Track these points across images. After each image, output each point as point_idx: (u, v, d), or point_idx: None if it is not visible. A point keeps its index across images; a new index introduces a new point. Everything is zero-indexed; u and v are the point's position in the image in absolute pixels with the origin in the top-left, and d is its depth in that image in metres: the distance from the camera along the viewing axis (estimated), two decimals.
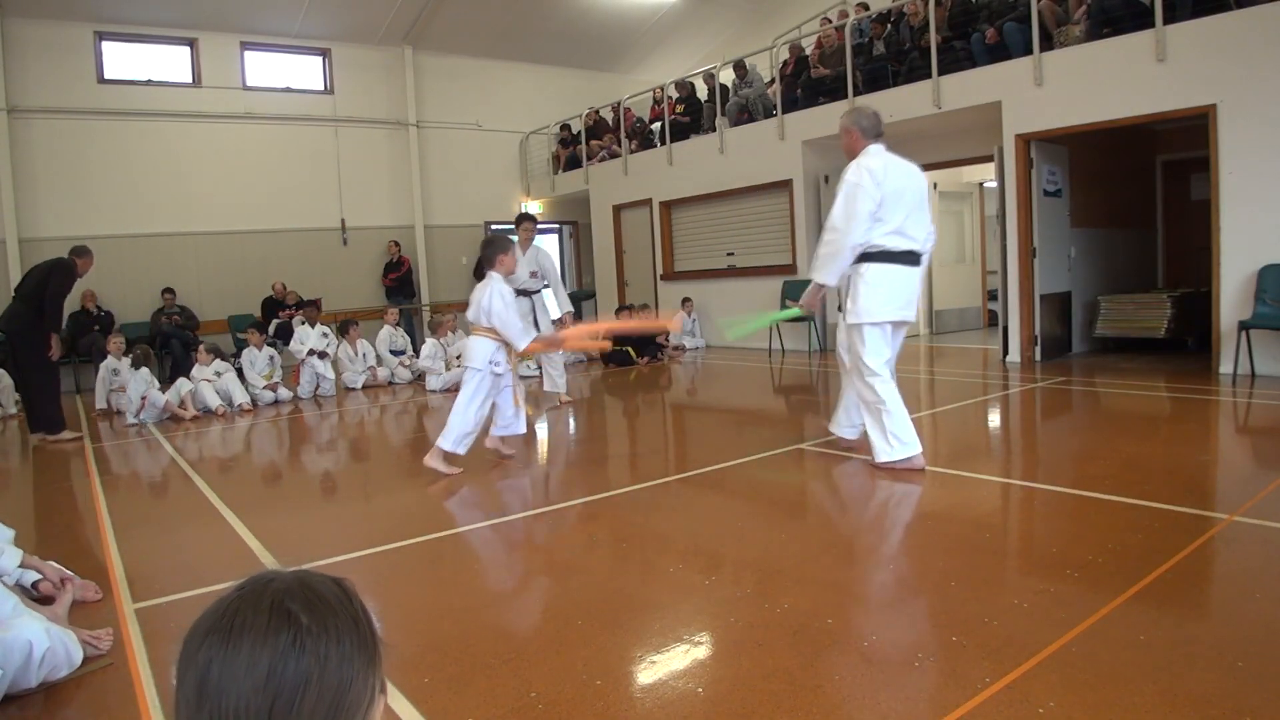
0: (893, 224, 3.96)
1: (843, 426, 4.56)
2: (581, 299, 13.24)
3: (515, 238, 6.19)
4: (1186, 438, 4.84)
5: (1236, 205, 6.34)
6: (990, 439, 5.23)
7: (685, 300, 11.03)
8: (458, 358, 7.37)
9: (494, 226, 13.57)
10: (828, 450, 4.67)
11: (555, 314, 6.93)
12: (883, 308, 4.01)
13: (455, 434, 4.48)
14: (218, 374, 7.69)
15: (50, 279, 6.24)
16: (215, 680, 0.68)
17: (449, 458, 4.54)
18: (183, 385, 7.37)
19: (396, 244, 12.25)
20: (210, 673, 0.68)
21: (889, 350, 4.10)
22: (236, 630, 0.69)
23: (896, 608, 2.45)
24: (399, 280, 12.17)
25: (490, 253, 4.66)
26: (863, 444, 4.37)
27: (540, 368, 7.38)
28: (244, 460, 5.82)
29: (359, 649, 0.72)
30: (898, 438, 3.99)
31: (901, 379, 3.85)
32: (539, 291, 6.76)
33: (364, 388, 8.66)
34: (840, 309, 4.38)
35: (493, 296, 4.48)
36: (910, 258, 4.04)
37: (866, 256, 4.03)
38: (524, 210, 6.91)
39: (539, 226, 14.20)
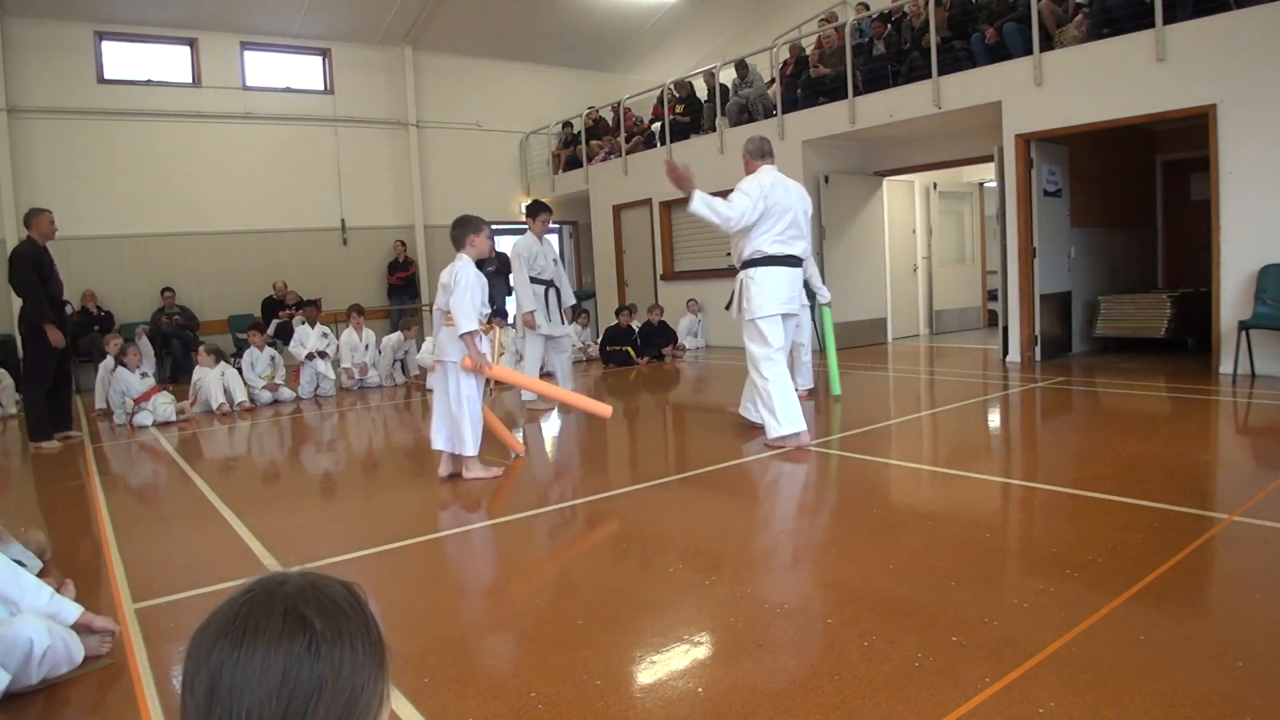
0: (774, 233, 4.68)
1: (750, 411, 5.13)
2: (582, 299, 13.23)
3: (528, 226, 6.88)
4: (1186, 438, 4.84)
5: (1236, 205, 6.34)
6: (990, 439, 5.23)
7: (690, 301, 11.02)
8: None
9: (495, 226, 13.56)
10: (827, 450, 4.67)
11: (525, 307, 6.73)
12: (771, 303, 4.69)
13: (472, 433, 4.34)
14: (222, 374, 7.68)
15: (12, 276, 6.04)
16: (227, 685, 0.67)
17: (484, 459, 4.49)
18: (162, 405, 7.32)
19: (403, 244, 12.29)
20: (222, 677, 0.67)
21: (781, 339, 4.75)
22: (249, 634, 0.68)
23: (896, 608, 2.45)
24: (406, 280, 12.20)
25: (461, 234, 4.36)
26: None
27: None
28: (244, 460, 5.82)
29: (370, 655, 0.72)
30: (785, 416, 4.63)
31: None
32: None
33: (358, 388, 8.65)
34: (727, 306, 5.13)
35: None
36: (790, 260, 4.75)
37: (752, 262, 4.74)
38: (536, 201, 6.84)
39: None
